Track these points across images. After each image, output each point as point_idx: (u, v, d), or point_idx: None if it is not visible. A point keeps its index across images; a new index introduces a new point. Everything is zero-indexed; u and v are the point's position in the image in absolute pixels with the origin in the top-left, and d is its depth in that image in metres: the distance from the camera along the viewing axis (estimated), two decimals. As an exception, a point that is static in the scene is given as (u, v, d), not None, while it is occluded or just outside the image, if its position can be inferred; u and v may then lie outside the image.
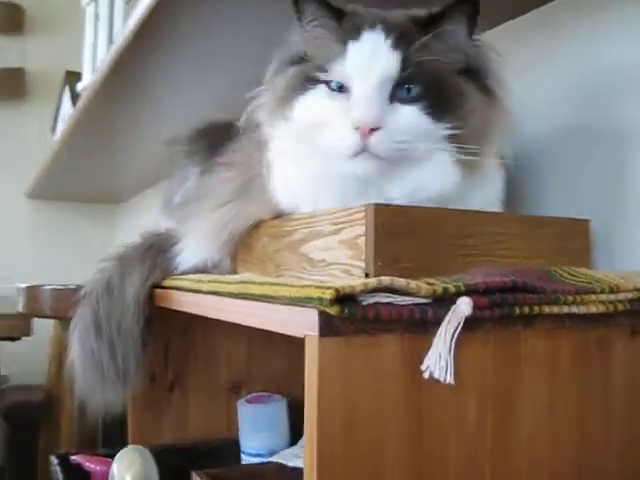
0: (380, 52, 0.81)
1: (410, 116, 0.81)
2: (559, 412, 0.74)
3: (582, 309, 0.72)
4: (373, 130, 0.79)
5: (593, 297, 0.73)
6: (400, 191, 0.86)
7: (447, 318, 0.62)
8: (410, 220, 0.80)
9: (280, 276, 0.98)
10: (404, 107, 0.81)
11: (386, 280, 0.62)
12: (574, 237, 0.95)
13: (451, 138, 0.82)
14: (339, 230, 0.83)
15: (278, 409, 1.37)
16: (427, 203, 0.85)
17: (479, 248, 0.85)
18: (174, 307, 1.05)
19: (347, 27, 0.84)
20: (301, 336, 0.62)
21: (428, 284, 0.64)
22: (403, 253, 0.79)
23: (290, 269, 0.95)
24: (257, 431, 1.34)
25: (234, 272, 1.12)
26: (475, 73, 0.86)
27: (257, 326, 0.72)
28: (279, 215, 0.99)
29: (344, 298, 0.60)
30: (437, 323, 0.63)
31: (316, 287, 0.61)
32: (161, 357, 1.36)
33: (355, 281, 0.62)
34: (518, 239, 0.89)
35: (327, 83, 0.84)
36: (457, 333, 0.61)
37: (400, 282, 0.62)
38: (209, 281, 0.93)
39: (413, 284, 0.63)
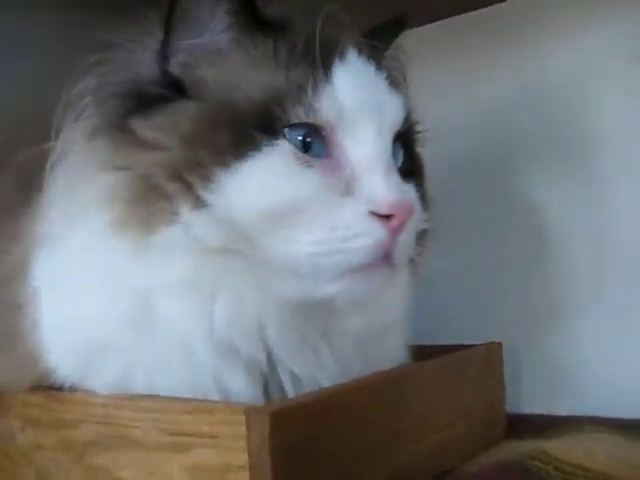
0: (380, 88, 0.53)
1: (416, 199, 0.54)
2: None
3: None
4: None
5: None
6: (359, 321, 0.53)
7: None
8: (322, 423, 0.45)
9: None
10: (406, 185, 0.53)
11: None
12: (489, 369, 0.68)
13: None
14: (185, 446, 0.45)
15: None
16: (372, 338, 0.54)
17: (409, 433, 0.53)
18: None
19: (294, 42, 0.51)
20: None
21: None
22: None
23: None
24: None
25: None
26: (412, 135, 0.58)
27: None
28: (45, 382, 0.55)
29: None
30: None
31: None
32: None
33: None
34: (438, 399, 0.59)
35: (289, 135, 0.48)
36: None
37: None
38: None
39: None
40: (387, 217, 0.47)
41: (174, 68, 0.51)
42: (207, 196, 0.46)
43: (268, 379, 0.50)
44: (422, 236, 0.54)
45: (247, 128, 0.47)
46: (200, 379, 0.48)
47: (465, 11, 0.85)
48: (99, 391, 0.51)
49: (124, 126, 0.49)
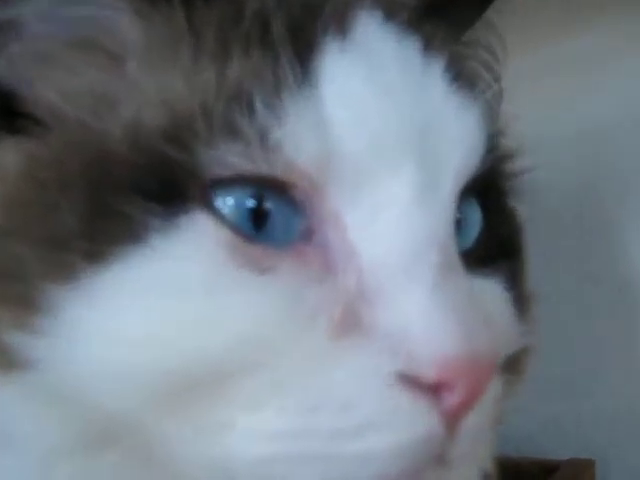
0: (433, 94, 0.27)
1: (505, 312, 0.30)
2: None
3: None
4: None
5: None
6: None
7: None
8: None
9: None
10: (483, 283, 0.29)
11: None
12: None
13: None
14: None
15: None
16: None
17: None
18: None
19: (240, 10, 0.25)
20: None
21: None
22: None
23: None
24: None
25: None
26: (500, 180, 0.33)
27: None
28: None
29: None
30: None
31: None
32: None
33: None
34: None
35: (219, 202, 0.24)
36: None
37: None
38: None
39: None
40: (438, 387, 0.23)
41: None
42: (27, 342, 0.23)
43: None
44: (513, 362, 0.30)
45: (122, 194, 0.23)
46: None
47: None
48: None
49: None
